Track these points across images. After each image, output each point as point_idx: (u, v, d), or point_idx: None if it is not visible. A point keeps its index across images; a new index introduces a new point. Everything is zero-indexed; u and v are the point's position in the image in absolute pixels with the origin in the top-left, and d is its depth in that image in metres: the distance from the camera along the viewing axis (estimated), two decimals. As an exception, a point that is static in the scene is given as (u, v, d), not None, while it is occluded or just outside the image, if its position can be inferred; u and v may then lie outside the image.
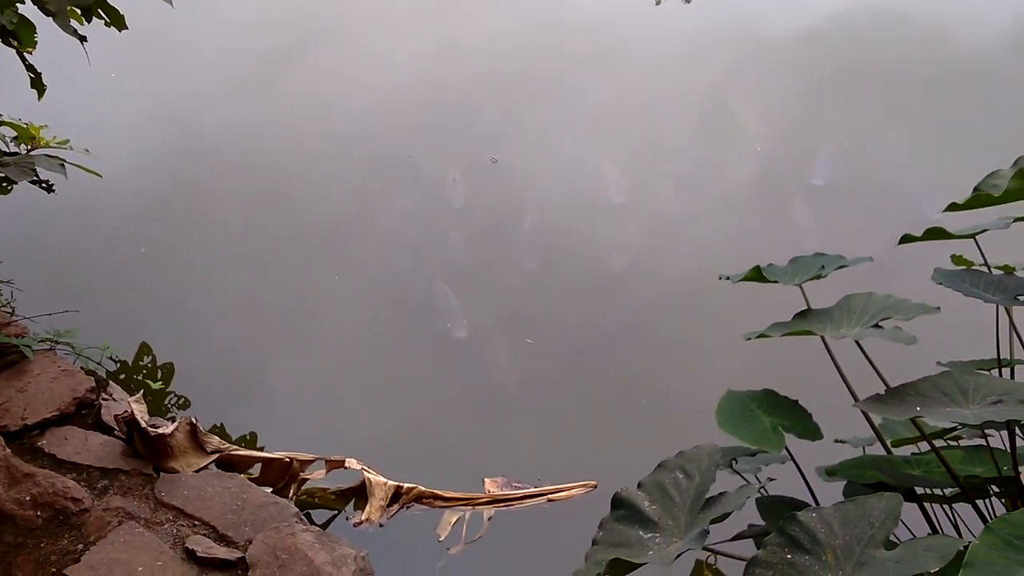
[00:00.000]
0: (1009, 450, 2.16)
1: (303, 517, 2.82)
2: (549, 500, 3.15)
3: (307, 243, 4.46)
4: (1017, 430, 2.17)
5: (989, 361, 2.50)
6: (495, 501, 3.12)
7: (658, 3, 6.51)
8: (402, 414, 3.54)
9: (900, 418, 2.12)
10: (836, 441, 2.64)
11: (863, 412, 2.23)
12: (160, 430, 2.91)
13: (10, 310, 3.62)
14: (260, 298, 4.14)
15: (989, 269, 2.55)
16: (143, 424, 2.88)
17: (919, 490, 2.38)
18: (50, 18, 2.99)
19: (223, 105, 5.44)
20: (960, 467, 2.28)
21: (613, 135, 5.23)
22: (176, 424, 2.97)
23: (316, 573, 2.49)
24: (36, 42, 3.17)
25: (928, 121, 5.20)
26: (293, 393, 3.65)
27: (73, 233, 4.42)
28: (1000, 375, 2.42)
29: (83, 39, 3.16)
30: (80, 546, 2.58)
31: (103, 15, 3.24)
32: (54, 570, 2.51)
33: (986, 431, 2.32)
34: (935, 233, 2.43)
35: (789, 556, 1.70)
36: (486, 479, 3.21)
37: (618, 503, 2.08)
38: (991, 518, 2.08)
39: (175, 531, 2.66)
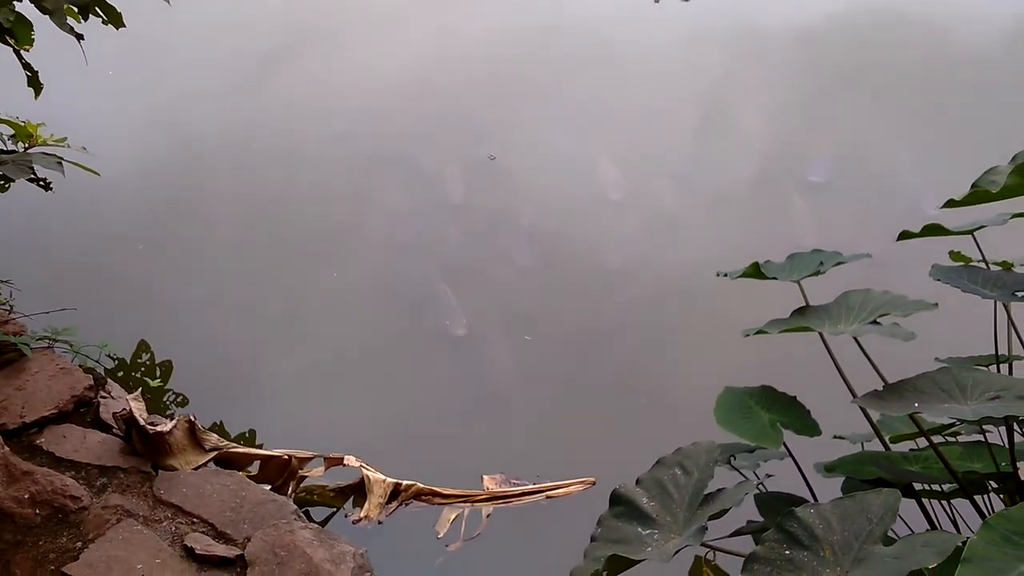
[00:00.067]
0: (1007, 446, 2.16)
1: (302, 514, 2.82)
2: (548, 497, 3.15)
3: (305, 241, 4.45)
4: (1015, 426, 2.17)
5: (987, 357, 2.50)
6: (494, 498, 3.13)
7: (657, 0, 6.50)
8: (401, 411, 3.54)
9: (898, 414, 2.13)
10: (834, 437, 2.64)
11: (861, 408, 2.24)
12: (158, 428, 2.91)
13: (8, 308, 3.62)
14: (259, 296, 4.14)
15: (987, 265, 2.55)
16: (141, 422, 2.88)
17: (917, 486, 2.38)
18: (47, 16, 2.99)
19: (220, 104, 5.43)
20: (958, 463, 2.29)
21: (611, 132, 5.23)
22: (174, 422, 2.97)
23: (315, 570, 2.49)
24: (33, 40, 3.17)
25: (926, 118, 5.20)
26: (292, 390, 3.64)
27: (71, 231, 4.41)
28: (998, 371, 2.42)
29: (80, 37, 3.16)
30: (79, 544, 2.58)
31: (100, 13, 3.24)
32: (53, 568, 2.51)
33: (984, 427, 2.32)
34: (933, 230, 2.43)
35: (787, 552, 1.70)
36: (485, 476, 3.21)
37: (616, 500, 2.08)
38: (989, 514, 2.09)
39: (174, 529, 2.66)
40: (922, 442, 2.43)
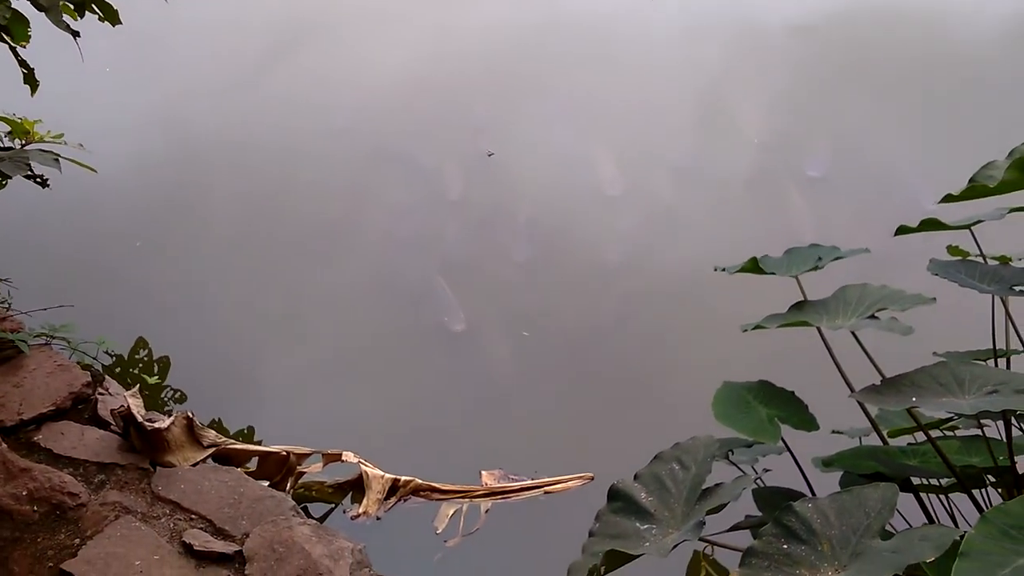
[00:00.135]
0: (1005, 440, 2.16)
1: (300, 510, 2.82)
2: (546, 492, 3.15)
3: (302, 237, 4.45)
4: (1013, 420, 2.17)
5: (985, 351, 2.50)
6: (492, 494, 3.13)
7: (653, -4, 6.50)
8: (399, 407, 3.55)
9: (896, 408, 2.13)
10: (832, 432, 2.65)
11: (859, 403, 2.23)
12: (156, 424, 2.91)
13: (7, 306, 3.62)
14: (256, 292, 4.14)
15: (985, 260, 2.55)
16: (139, 418, 2.88)
17: (915, 480, 2.38)
18: (43, 13, 2.99)
19: (217, 100, 5.43)
20: (956, 457, 2.29)
21: (609, 128, 5.23)
22: (172, 418, 2.96)
23: (313, 566, 2.49)
24: (29, 36, 3.16)
25: (924, 113, 5.20)
26: (290, 387, 3.64)
27: (68, 228, 4.41)
28: (996, 365, 2.42)
29: (76, 34, 3.15)
30: (77, 540, 2.58)
31: (96, 10, 3.23)
32: (51, 565, 2.51)
33: (982, 421, 2.32)
34: (930, 224, 2.43)
35: (785, 547, 1.70)
36: (483, 472, 3.21)
37: (614, 495, 2.08)
38: (987, 508, 2.09)
39: (172, 525, 2.66)
40: (920, 436, 2.43)
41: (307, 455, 3.16)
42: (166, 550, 2.55)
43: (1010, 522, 1.54)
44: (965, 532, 1.55)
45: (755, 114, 5.27)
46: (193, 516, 2.71)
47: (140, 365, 3.71)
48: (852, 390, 2.20)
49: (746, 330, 2.44)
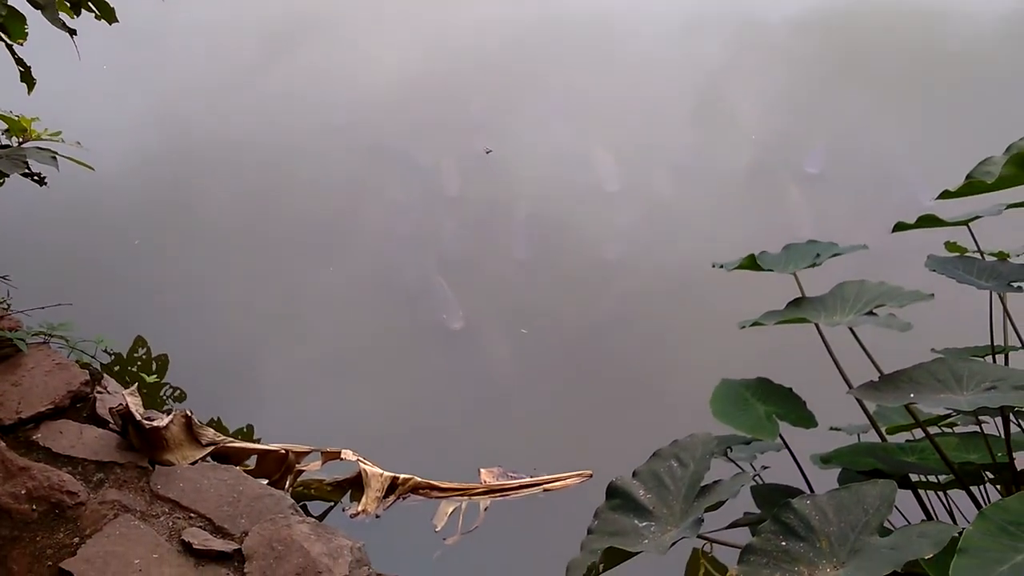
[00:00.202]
0: (1003, 436, 2.16)
1: (299, 509, 2.81)
2: (545, 490, 3.15)
3: (301, 235, 4.45)
4: (1011, 416, 2.17)
5: (983, 348, 2.50)
6: (491, 491, 3.13)
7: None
8: (398, 405, 3.55)
9: (894, 405, 2.13)
10: (831, 429, 2.65)
11: (857, 399, 2.24)
12: (155, 423, 2.90)
13: (5, 304, 3.61)
14: (255, 290, 4.14)
15: (982, 256, 2.55)
16: (138, 417, 2.87)
17: (914, 477, 2.39)
18: (39, 11, 2.98)
19: (215, 99, 5.43)
20: (954, 454, 2.29)
21: (607, 124, 5.23)
22: (171, 417, 2.96)
23: (312, 564, 2.49)
24: (26, 34, 3.15)
25: (922, 109, 5.21)
26: (289, 384, 3.65)
27: (66, 226, 4.41)
28: (994, 361, 2.43)
29: (72, 32, 3.14)
30: (76, 539, 2.58)
31: (93, 8, 3.22)
32: (50, 563, 2.51)
33: (980, 417, 2.32)
34: (928, 220, 2.43)
35: (784, 543, 1.70)
36: (482, 469, 3.20)
37: (613, 492, 2.09)
38: (985, 504, 2.09)
39: (171, 523, 2.66)
40: (918, 433, 2.43)
41: (306, 453, 3.16)
42: (165, 548, 2.55)
43: (1008, 519, 1.54)
44: (963, 529, 1.55)
45: (754, 111, 5.28)
46: (192, 514, 2.71)
47: (138, 363, 3.71)
48: (850, 387, 2.20)
49: (744, 327, 2.44)
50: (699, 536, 1.93)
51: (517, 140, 5.05)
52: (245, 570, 2.49)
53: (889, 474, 2.21)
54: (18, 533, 2.59)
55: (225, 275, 4.25)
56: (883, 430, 2.44)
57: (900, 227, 2.48)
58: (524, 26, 6.06)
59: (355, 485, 3.11)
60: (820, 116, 5.22)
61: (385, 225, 4.49)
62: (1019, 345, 2.47)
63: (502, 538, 3.01)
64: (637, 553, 1.91)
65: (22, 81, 3.18)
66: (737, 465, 2.58)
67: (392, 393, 3.61)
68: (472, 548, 2.95)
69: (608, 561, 1.99)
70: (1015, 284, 2.36)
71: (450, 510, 3.06)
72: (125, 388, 3.14)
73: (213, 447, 3.05)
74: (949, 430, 2.51)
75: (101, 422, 3.04)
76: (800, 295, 2.43)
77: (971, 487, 2.29)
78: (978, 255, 2.56)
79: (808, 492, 2.29)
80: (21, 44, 3.18)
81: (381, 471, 3.09)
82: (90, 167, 3.36)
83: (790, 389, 2.48)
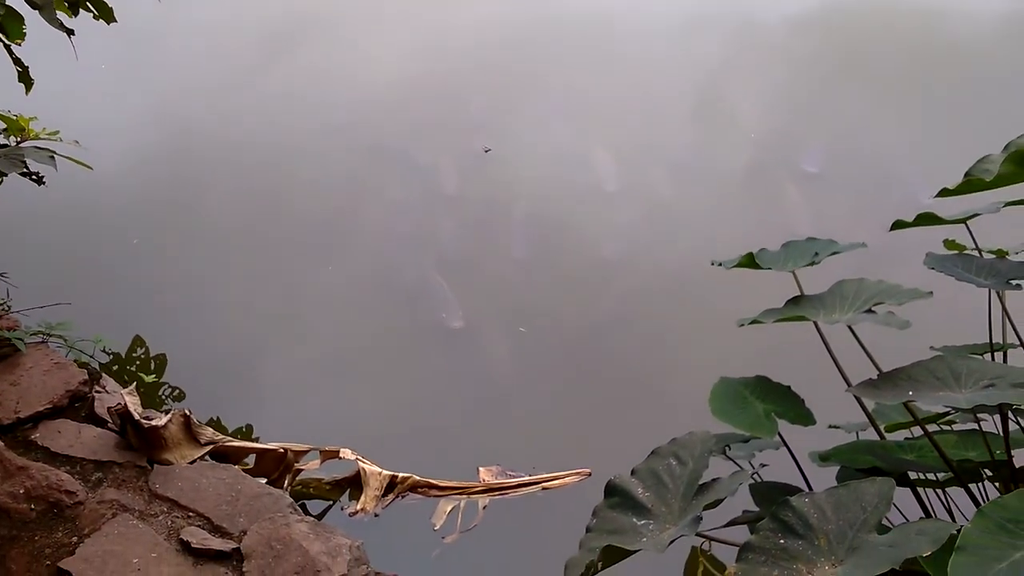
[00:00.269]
0: (1002, 434, 2.16)
1: (298, 507, 2.82)
2: (544, 488, 3.15)
3: (300, 234, 4.45)
4: (1010, 414, 2.17)
5: (982, 345, 2.51)
6: (490, 490, 3.13)
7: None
8: (397, 404, 3.54)
9: (893, 403, 2.13)
10: (829, 427, 2.65)
11: (856, 397, 2.24)
12: (153, 422, 2.90)
13: (3, 304, 3.61)
14: (254, 289, 4.13)
15: (980, 253, 2.56)
16: (136, 416, 2.87)
17: (912, 475, 2.39)
18: (37, 11, 2.97)
19: (213, 98, 5.42)
20: (953, 451, 2.29)
21: (606, 123, 5.23)
22: (169, 416, 2.96)
23: (311, 563, 2.49)
24: (24, 34, 3.14)
25: (920, 107, 5.21)
26: (287, 384, 3.64)
27: (64, 226, 4.40)
28: (992, 359, 2.43)
29: (70, 32, 3.13)
30: (74, 539, 2.58)
31: (91, 8, 3.22)
32: (48, 563, 2.51)
33: (979, 415, 2.33)
34: (926, 218, 2.43)
35: (782, 541, 1.70)
36: (481, 468, 3.20)
37: (611, 490, 2.09)
38: (984, 502, 2.09)
39: (170, 523, 2.66)
40: (917, 431, 2.43)
41: (305, 452, 3.15)
42: (164, 548, 2.55)
43: (1007, 516, 1.54)
44: (962, 526, 1.55)
45: (753, 110, 5.28)
46: (191, 514, 2.71)
47: (137, 363, 3.71)
48: (849, 384, 2.20)
49: (743, 325, 2.44)
50: (697, 534, 1.93)
51: (516, 139, 5.05)
52: (244, 569, 2.49)
53: (888, 472, 2.21)
54: (16, 532, 2.59)
55: (224, 274, 4.24)
56: (882, 428, 2.45)
57: (898, 225, 2.48)
58: (523, 25, 6.06)
59: (354, 484, 3.11)
60: (819, 115, 5.22)
61: (384, 224, 4.49)
62: (1018, 343, 2.47)
63: (501, 537, 3.01)
64: (635, 551, 1.91)
65: (20, 81, 3.18)
66: (736, 463, 2.58)
67: (392, 392, 3.60)
68: (471, 547, 2.95)
69: (606, 559, 1.99)
70: (1014, 282, 2.37)
71: (449, 509, 3.06)
72: (123, 388, 3.14)
73: (212, 446, 3.04)
74: (948, 428, 2.51)
75: (99, 421, 3.04)
76: (799, 293, 2.43)
77: (969, 485, 2.29)
78: (976, 253, 2.56)
79: (807, 490, 2.29)
80: (19, 44, 3.18)
81: (380, 470, 3.09)
82: (88, 166, 3.36)
83: (789, 387, 2.48)
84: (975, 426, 2.36)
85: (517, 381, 3.67)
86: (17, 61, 3.17)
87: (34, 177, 3.32)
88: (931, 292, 2.23)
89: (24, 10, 3.05)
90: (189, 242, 4.39)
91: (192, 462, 2.95)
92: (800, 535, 1.70)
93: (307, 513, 2.94)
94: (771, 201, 4.56)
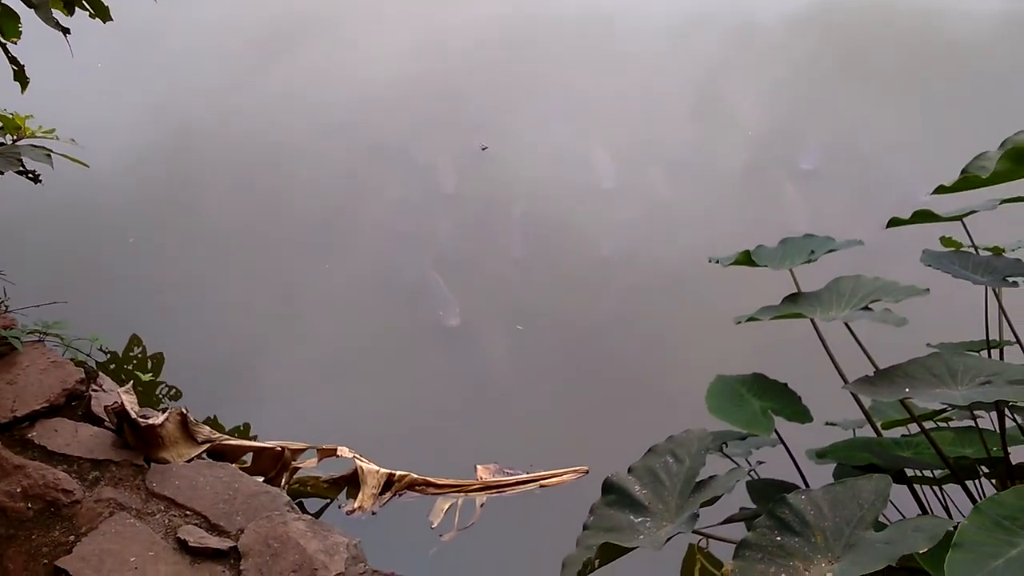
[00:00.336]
0: (998, 431, 2.16)
1: (295, 506, 2.82)
2: (541, 486, 3.15)
3: (298, 232, 4.45)
4: (1006, 411, 2.17)
5: (978, 342, 2.50)
6: (487, 488, 3.12)
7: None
8: (394, 402, 3.54)
9: (889, 400, 2.13)
10: (826, 424, 2.65)
11: (853, 394, 2.24)
12: (150, 421, 2.90)
13: (4, 306, 3.61)
14: (252, 288, 4.13)
15: (977, 250, 2.55)
16: (133, 415, 2.87)
17: (909, 472, 2.38)
18: (32, 10, 2.97)
19: (211, 97, 5.43)
20: (950, 448, 2.29)
21: (604, 122, 5.23)
22: (166, 414, 2.96)
23: (308, 561, 2.49)
24: (20, 33, 3.14)
25: (917, 104, 5.22)
26: (285, 382, 3.64)
27: (61, 224, 4.40)
28: (989, 356, 2.43)
29: (66, 31, 3.13)
30: (72, 537, 2.58)
31: (87, 6, 3.21)
32: (46, 562, 2.51)
33: (975, 412, 2.33)
34: (923, 216, 2.43)
35: (779, 538, 1.70)
36: (478, 466, 3.20)
37: (609, 488, 2.08)
38: (980, 499, 2.09)
39: (167, 521, 2.65)
40: (913, 428, 2.42)
41: (302, 450, 3.15)
42: (161, 546, 2.55)
43: (1003, 513, 1.54)
44: (959, 523, 1.55)
45: (751, 108, 5.28)
46: (188, 512, 2.71)
47: (134, 362, 3.70)
48: (846, 381, 2.20)
49: (739, 322, 2.44)
50: (694, 531, 1.93)
51: (516, 138, 5.05)
52: (241, 567, 2.49)
53: (884, 469, 2.20)
54: (13, 531, 2.59)
55: (222, 274, 4.24)
56: (878, 425, 2.45)
57: (895, 222, 2.48)
58: (521, 24, 6.06)
59: (351, 482, 3.11)
60: (818, 113, 5.23)
61: (383, 223, 4.49)
62: (1014, 340, 2.47)
63: (498, 534, 3.00)
64: (632, 549, 1.90)
65: (16, 80, 3.17)
66: (732, 460, 2.58)
67: (389, 391, 3.60)
68: (468, 544, 2.95)
69: (603, 557, 1.99)
70: (1010, 279, 2.37)
71: (446, 506, 3.06)
72: (120, 386, 3.14)
73: (209, 445, 3.04)
74: (944, 425, 2.51)
75: (96, 420, 3.04)
76: (796, 290, 2.43)
77: (966, 481, 2.29)
78: (973, 250, 2.56)
79: (803, 487, 2.29)
80: (15, 43, 3.17)
81: (377, 468, 3.08)
82: (85, 164, 3.36)
83: (785, 384, 2.48)
84: (972, 423, 2.35)
85: (516, 380, 3.67)
86: (13, 60, 3.16)
87: (31, 176, 3.31)
88: (928, 289, 2.23)
89: (20, 8, 3.05)
90: (187, 241, 4.39)
91: (189, 461, 2.95)
92: (797, 532, 1.69)
93: (304, 511, 2.94)
94: (769, 199, 4.56)
